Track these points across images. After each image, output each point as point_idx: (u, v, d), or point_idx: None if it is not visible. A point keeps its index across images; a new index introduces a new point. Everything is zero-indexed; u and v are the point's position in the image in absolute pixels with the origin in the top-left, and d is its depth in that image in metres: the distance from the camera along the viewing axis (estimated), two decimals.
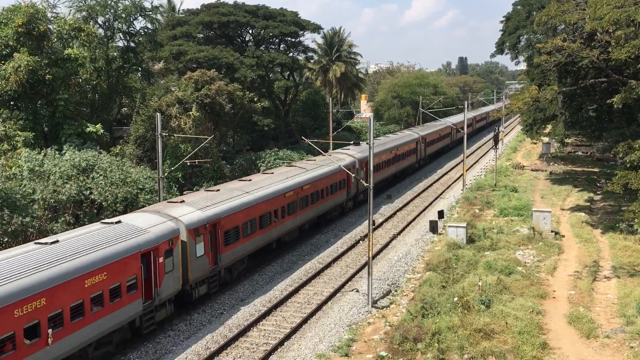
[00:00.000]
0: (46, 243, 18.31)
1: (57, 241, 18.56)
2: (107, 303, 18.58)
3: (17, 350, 15.52)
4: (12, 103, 41.47)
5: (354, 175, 36.84)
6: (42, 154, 31.69)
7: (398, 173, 53.28)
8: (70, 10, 51.24)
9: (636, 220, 24.88)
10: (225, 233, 25.17)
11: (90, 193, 30.30)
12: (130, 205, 30.72)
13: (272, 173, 33.30)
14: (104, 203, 30.34)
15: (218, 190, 27.97)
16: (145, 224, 21.39)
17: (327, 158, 36.38)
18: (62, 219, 28.66)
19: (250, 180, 30.96)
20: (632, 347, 18.99)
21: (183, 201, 25.06)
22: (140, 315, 20.38)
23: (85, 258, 17.98)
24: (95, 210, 31.11)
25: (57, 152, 32.61)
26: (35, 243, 18.58)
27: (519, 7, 55.28)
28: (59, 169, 30.29)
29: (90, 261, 18.05)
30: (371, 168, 24.06)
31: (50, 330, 16.37)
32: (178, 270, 22.10)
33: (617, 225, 32.71)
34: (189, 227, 22.80)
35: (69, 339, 17.17)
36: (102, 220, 22.26)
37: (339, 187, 37.56)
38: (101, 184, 30.40)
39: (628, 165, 27.76)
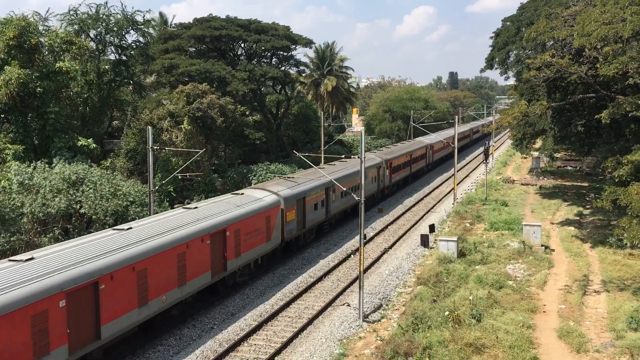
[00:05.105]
0: (232, 195, 30.03)
1: (240, 193, 30.25)
2: (257, 239, 28.28)
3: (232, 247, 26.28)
4: (2, 116, 41.39)
5: (381, 173, 47.92)
6: (32, 167, 31.54)
7: (412, 174, 61.07)
8: (62, 23, 51.37)
9: (625, 235, 24.99)
10: (305, 206, 33.63)
11: (80, 207, 30.13)
12: (120, 218, 30.60)
13: (324, 167, 41.23)
14: (93, 216, 30.19)
15: (293, 177, 36.10)
16: (260, 195, 30.07)
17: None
18: (51, 233, 28.47)
19: (307, 172, 39.47)
20: None
21: (276, 183, 33.47)
22: (263, 255, 29.51)
23: (241, 209, 27.33)
24: (85, 224, 30.93)
25: (47, 166, 32.46)
26: (232, 194, 30.49)
27: (508, 23, 56.01)
28: (49, 182, 30.14)
29: (246, 211, 27.45)
30: (362, 182, 24.11)
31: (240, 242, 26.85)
32: (279, 229, 30.62)
33: (607, 239, 32.90)
34: (286, 200, 31.09)
35: (249, 252, 27.73)
36: (231, 193, 31.98)
37: (372, 181, 46.08)
38: (91, 197, 30.25)
39: (617, 180, 27.97)
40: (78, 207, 30.19)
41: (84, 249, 18.99)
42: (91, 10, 52.13)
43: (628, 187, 24.88)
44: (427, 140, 68.78)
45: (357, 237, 34.93)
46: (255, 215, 28.12)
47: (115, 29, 52.53)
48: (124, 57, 54.81)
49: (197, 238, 23.39)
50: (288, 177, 36.35)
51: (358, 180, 40.90)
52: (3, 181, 30.92)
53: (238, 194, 30.33)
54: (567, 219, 40.40)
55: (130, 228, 21.88)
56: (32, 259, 17.71)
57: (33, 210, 28.57)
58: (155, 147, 33.32)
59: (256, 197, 29.69)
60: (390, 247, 35.57)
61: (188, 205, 27.28)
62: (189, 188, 45.65)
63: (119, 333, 19.41)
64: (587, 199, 47.02)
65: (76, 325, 17.43)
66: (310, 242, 35.84)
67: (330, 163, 44.49)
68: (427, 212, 46.05)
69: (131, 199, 32.41)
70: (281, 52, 64.40)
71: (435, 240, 34.57)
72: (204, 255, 23.92)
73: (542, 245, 32.48)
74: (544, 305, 24.35)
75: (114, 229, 22.13)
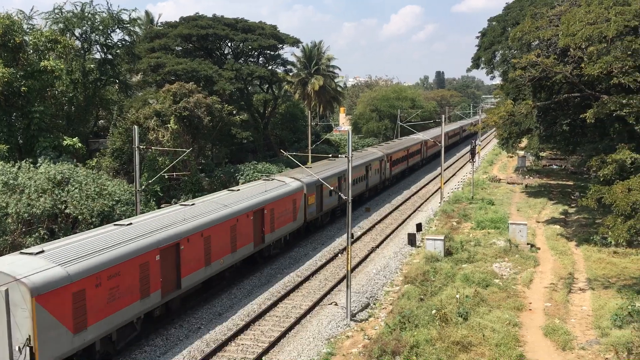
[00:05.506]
0: (264, 180, 34.72)
1: (270, 179, 35.14)
2: (286, 218, 32.62)
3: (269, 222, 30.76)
4: None
5: (383, 165, 53.23)
6: (17, 167, 31.19)
7: (409, 168, 65.62)
8: (47, 22, 50.77)
9: (610, 233, 25.23)
10: (322, 193, 37.82)
11: (66, 207, 29.86)
12: (106, 218, 30.36)
13: (335, 160, 45.62)
14: (79, 217, 29.93)
15: (311, 167, 39.99)
16: (287, 181, 34.63)
17: (367, 152, 52.82)
18: (36, 233, 28.18)
19: (322, 163, 44.77)
20: (606, 358, 19.23)
21: (298, 172, 37.47)
22: (290, 232, 34.03)
23: (274, 192, 31.91)
24: (70, 224, 30.65)
25: (31, 165, 32.12)
26: (264, 179, 35.30)
27: (494, 23, 56.33)
28: (34, 182, 29.82)
29: (278, 194, 32.04)
30: (349, 181, 24.13)
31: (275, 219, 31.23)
32: (303, 211, 35.06)
33: (592, 237, 33.21)
34: (307, 186, 35.36)
35: (280, 229, 32.26)
36: (262, 179, 36.14)
37: (375, 172, 51.47)
38: (76, 197, 29.98)
39: (601, 179, 28.22)
40: (63, 207, 29.92)
41: (166, 218, 23.66)
42: (76, 8, 51.61)
43: (612, 186, 25.11)
44: (422, 137, 72.03)
45: (345, 236, 35.03)
46: (285, 198, 32.63)
47: (100, 27, 52.02)
48: (109, 56, 54.31)
49: (244, 214, 27.94)
50: (307, 167, 40.47)
51: (362, 172, 45.51)
52: None
53: (269, 180, 35.01)
54: (552, 218, 40.74)
55: (194, 204, 26.57)
56: (131, 224, 22.25)
57: (18, 210, 28.26)
58: (141, 147, 33.13)
59: (284, 182, 34.42)
60: (378, 246, 35.64)
61: (232, 188, 31.97)
62: (175, 188, 45.41)
63: (191, 286, 24.16)
64: (572, 197, 47.45)
65: (165, 275, 22.08)
66: (325, 224, 40.44)
67: (340, 157, 48.51)
68: (414, 211, 46.20)
69: (117, 199, 32.17)
70: (268, 51, 64.24)
71: (422, 239, 34.70)
72: (248, 228, 28.47)
73: (528, 244, 32.73)
74: (530, 303, 24.55)
75: (180, 205, 27.05)
